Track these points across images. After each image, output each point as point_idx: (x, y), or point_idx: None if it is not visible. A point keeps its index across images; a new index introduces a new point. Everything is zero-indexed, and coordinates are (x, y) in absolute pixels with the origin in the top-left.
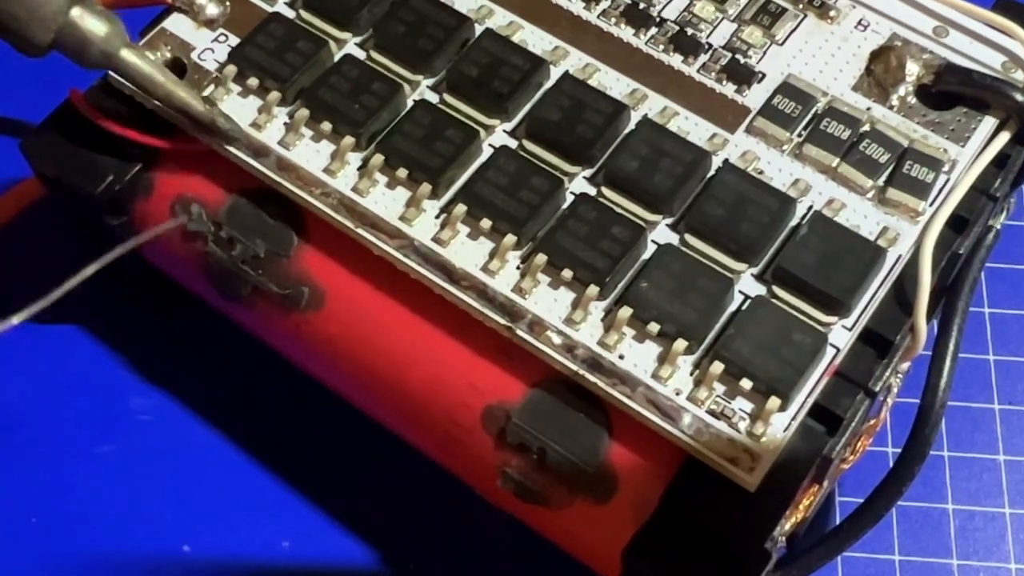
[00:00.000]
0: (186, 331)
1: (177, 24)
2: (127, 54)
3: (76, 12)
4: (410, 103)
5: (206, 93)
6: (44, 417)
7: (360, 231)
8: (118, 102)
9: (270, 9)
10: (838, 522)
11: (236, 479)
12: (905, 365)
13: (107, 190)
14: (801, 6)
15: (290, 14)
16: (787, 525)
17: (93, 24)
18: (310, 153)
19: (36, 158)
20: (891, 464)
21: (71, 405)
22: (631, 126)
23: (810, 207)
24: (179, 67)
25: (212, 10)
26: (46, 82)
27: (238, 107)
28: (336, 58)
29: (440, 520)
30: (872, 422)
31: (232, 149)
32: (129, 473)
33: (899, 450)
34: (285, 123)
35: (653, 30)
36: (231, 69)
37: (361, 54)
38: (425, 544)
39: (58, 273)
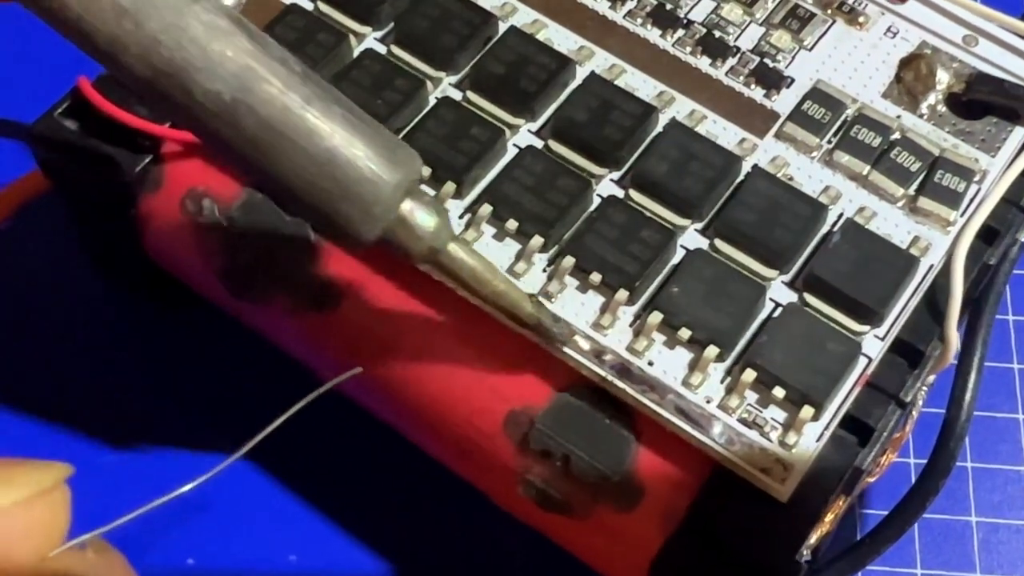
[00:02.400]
0: (188, 333)
1: None
2: (455, 248)
3: (407, 206)
4: (432, 100)
5: None
6: (44, 425)
7: None
8: (128, 91)
9: (287, 1)
10: (859, 535)
11: (242, 489)
12: (932, 378)
13: (116, 182)
14: (830, 11)
15: (308, 6)
16: (813, 538)
17: (423, 218)
18: None
19: (41, 147)
20: (913, 475)
21: (72, 413)
22: (659, 129)
23: (841, 214)
24: None
25: (227, 1)
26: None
27: None
28: (356, 53)
29: (454, 532)
30: (898, 435)
31: None
32: (131, 484)
33: (921, 461)
34: None
35: (680, 32)
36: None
37: (382, 49)
38: (438, 557)
39: (57, 272)
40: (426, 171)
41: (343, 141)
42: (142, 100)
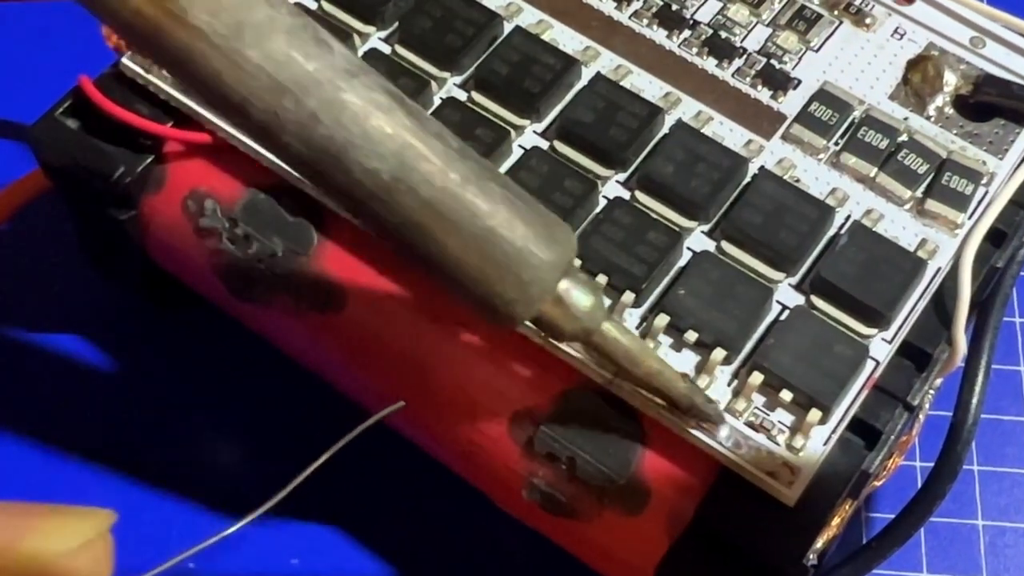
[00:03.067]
0: (189, 333)
1: None
2: (608, 328)
3: (564, 285)
4: (437, 100)
5: None
6: (43, 428)
7: None
8: (130, 90)
9: (291, 1)
10: (866, 539)
11: (244, 494)
12: (939, 381)
13: (117, 182)
14: (837, 12)
15: (312, 5)
16: (820, 542)
17: (579, 297)
18: None
19: (43, 147)
20: (919, 479)
21: (71, 413)
22: (665, 130)
23: (848, 217)
24: None
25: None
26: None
27: None
28: (359, 53)
29: (457, 535)
30: (904, 439)
31: (251, 142)
32: (132, 488)
33: (928, 464)
34: None
35: (686, 32)
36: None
37: (386, 49)
38: (440, 560)
39: (58, 273)
40: None
41: (503, 221)
42: (299, 173)
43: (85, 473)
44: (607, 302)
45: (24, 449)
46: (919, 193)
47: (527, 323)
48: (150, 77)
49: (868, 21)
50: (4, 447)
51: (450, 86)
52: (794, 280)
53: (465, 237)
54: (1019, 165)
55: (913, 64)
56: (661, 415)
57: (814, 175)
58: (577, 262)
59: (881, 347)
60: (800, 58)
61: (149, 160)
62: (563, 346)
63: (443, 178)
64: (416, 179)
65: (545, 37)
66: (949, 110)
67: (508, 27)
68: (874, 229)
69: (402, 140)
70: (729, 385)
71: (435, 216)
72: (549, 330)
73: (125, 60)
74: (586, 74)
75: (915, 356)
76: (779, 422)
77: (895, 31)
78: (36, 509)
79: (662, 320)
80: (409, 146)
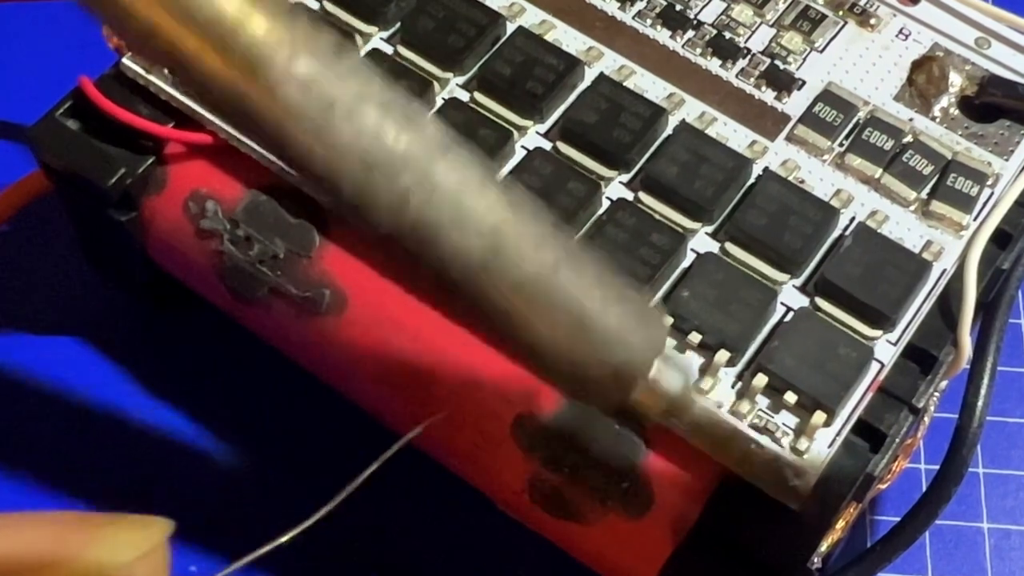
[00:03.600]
0: (189, 335)
1: None
2: (697, 408)
3: (655, 368)
4: (439, 101)
5: None
6: (44, 431)
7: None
8: (131, 91)
9: (292, 0)
10: (870, 542)
11: (244, 497)
12: (944, 383)
13: (118, 184)
14: (841, 13)
15: (314, 5)
16: (824, 545)
17: (671, 379)
18: None
19: (42, 148)
20: (924, 481)
21: (72, 414)
22: (669, 131)
23: (852, 218)
24: None
25: None
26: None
27: None
28: (361, 54)
29: (459, 538)
30: (909, 441)
31: (253, 143)
32: (134, 491)
33: (933, 467)
34: None
35: (690, 33)
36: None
37: (388, 49)
38: (443, 563)
39: (58, 274)
40: None
41: (597, 308)
42: (387, 251)
43: (86, 474)
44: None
45: (24, 450)
46: (924, 194)
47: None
48: (151, 78)
49: (873, 22)
50: (4, 448)
51: (452, 87)
52: (798, 282)
53: (558, 324)
54: None
55: (918, 65)
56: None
57: (818, 176)
58: None
59: (886, 349)
60: (804, 59)
61: (150, 161)
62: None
63: (536, 261)
64: (507, 261)
65: (548, 37)
66: (954, 111)
67: (511, 27)
68: (879, 231)
69: (495, 220)
70: (733, 387)
71: (526, 301)
72: (635, 408)
73: (126, 60)
74: (589, 75)
75: (920, 358)
76: (783, 424)
77: (900, 32)
78: (94, 519)
79: (666, 322)
80: (501, 226)
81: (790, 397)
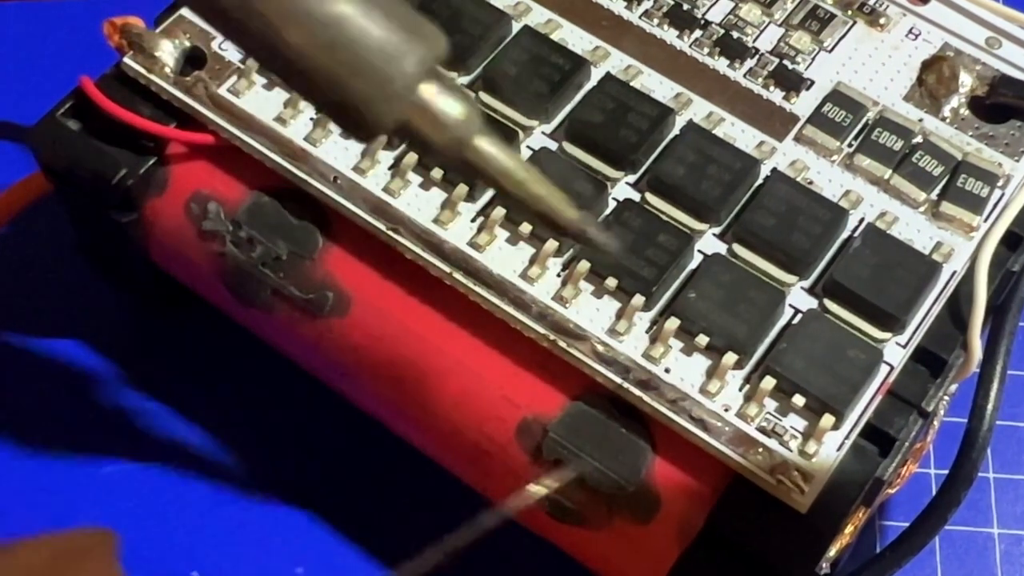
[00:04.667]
0: (190, 335)
1: None
2: (483, 142)
3: (430, 89)
4: None
5: (228, 85)
6: (47, 434)
7: (391, 234)
8: (132, 91)
9: None
10: (879, 547)
11: (247, 501)
12: (954, 387)
13: (119, 184)
14: (850, 12)
15: None
16: (833, 550)
17: (447, 104)
18: (339, 151)
19: (43, 149)
20: (933, 485)
21: (74, 422)
22: (676, 131)
23: (862, 219)
24: (198, 57)
25: None
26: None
27: (262, 101)
28: None
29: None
30: (918, 445)
31: (256, 144)
32: (135, 495)
33: (942, 472)
34: (312, 119)
35: (697, 32)
36: (254, 60)
37: None
38: (447, 569)
39: (59, 276)
40: (437, 173)
41: (358, 8)
42: None
43: (86, 477)
44: (529, 252)
45: (24, 452)
46: (934, 195)
47: (392, 134)
48: (152, 77)
49: (882, 21)
50: (4, 450)
51: None
52: (807, 283)
53: (315, 24)
54: None
55: (928, 65)
56: (669, 420)
57: (827, 177)
58: (586, 265)
59: (895, 352)
60: (813, 58)
61: (151, 162)
62: (573, 351)
63: None
64: None
65: (554, 37)
66: (964, 111)
67: (516, 26)
68: (888, 232)
69: None
70: (741, 390)
71: (279, 4)
72: (417, 146)
73: (127, 60)
74: (596, 74)
75: (930, 361)
76: (791, 427)
77: (910, 31)
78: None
79: (672, 324)
80: None
81: (798, 400)
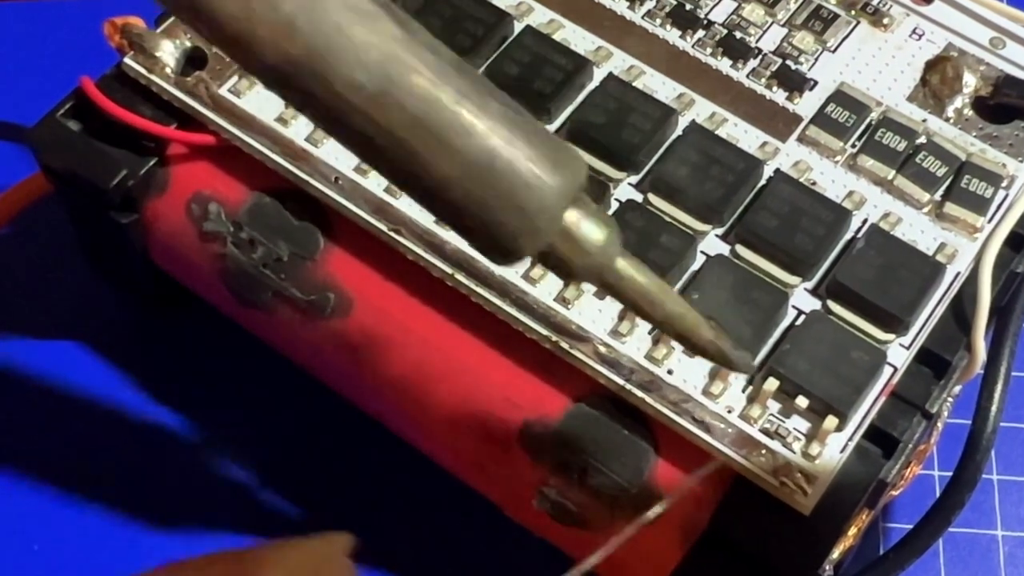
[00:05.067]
0: (191, 336)
1: None
2: (624, 265)
3: (572, 216)
4: None
5: (229, 85)
6: (45, 436)
7: (392, 235)
8: (133, 91)
9: None
10: (883, 550)
11: (249, 506)
12: (958, 388)
13: (120, 185)
14: (854, 12)
15: None
16: (836, 552)
17: (590, 229)
18: (340, 151)
19: (43, 149)
20: (938, 488)
21: (74, 425)
22: (679, 132)
23: (865, 220)
24: (199, 57)
25: None
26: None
27: (263, 101)
28: None
29: (466, 546)
30: (922, 447)
31: (257, 144)
32: (136, 499)
33: (946, 474)
34: None
35: (700, 32)
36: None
37: None
38: (451, 571)
39: (57, 276)
40: None
41: (502, 141)
42: (273, 90)
43: (87, 479)
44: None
45: (25, 454)
46: (938, 196)
47: (535, 261)
48: (153, 77)
49: (886, 21)
50: (4, 453)
51: None
52: (810, 284)
53: (460, 158)
54: None
55: (932, 65)
56: (672, 422)
57: (830, 177)
58: None
59: (899, 353)
60: (816, 59)
61: (152, 163)
62: (575, 352)
63: (435, 92)
64: (403, 93)
65: (556, 37)
66: (968, 112)
67: (518, 26)
68: (892, 233)
69: (389, 50)
70: (744, 391)
71: (426, 134)
72: (558, 269)
73: (127, 60)
74: (598, 75)
75: (933, 363)
76: (795, 429)
77: (913, 31)
78: (254, 554)
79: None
80: (396, 57)
81: (801, 401)
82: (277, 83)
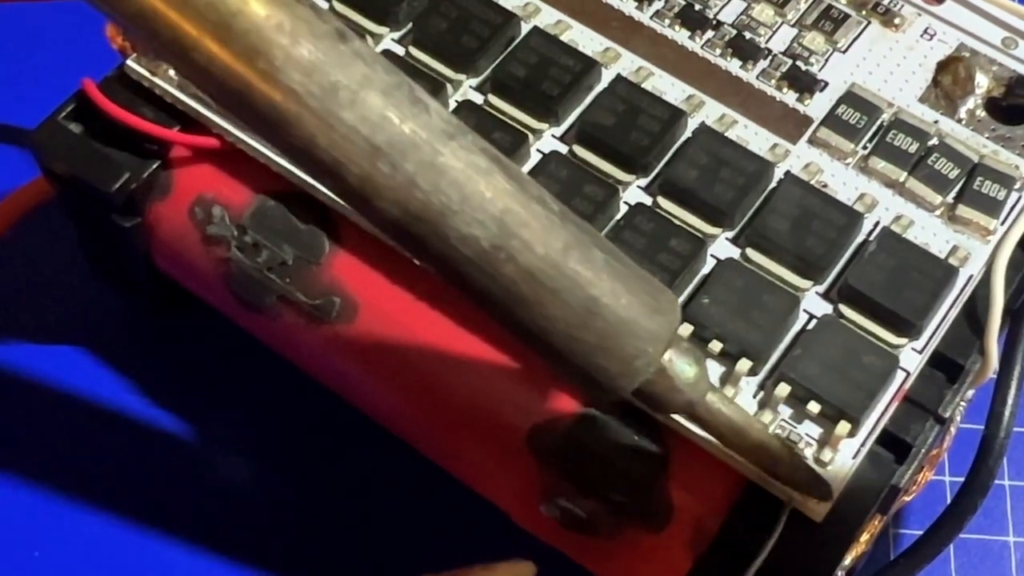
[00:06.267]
0: (195, 340)
1: None
2: (713, 399)
3: (667, 356)
4: (453, 104)
5: None
6: (46, 442)
7: None
8: (135, 94)
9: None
10: (894, 555)
11: (249, 507)
12: (970, 393)
13: (122, 188)
14: (865, 12)
15: (323, 5)
16: (848, 559)
17: (683, 369)
18: None
19: (45, 153)
20: (949, 494)
21: (76, 429)
22: (688, 134)
23: (877, 223)
24: None
25: None
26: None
27: None
28: None
29: (473, 554)
30: (934, 452)
31: (261, 147)
32: (137, 504)
33: (958, 479)
34: None
35: (709, 33)
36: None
37: (400, 50)
38: None
39: (60, 281)
40: None
41: (606, 290)
42: (393, 241)
43: (88, 484)
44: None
45: (26, 457)
46: (950, 198)
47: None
48: (156, 80)
49: (897, 21)
50: (5, 454)
51: (466, 89)
52: (821, 288)
53: (567, 308)
54: None
55: (943, 66)
56: (682, 427)
57: (842, 180)
58: None
59: (911, 357)
60: (827, 59)
61: (155, 166)
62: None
63: (544, 245)
64: (516, 247)
65: (564, 38)
66: (981, 113)
67: (525, 28)
68: (904, 236)
69: (502, 205)
70: (755, 397)
71: (536, 285)
72: (650, 403)
73: (130, 62)
74: (606, 76)
75: (946, 367)
76: (806, 435)
77: (925, 31)
78: None
79: (685, 330)
80: (510, 211)
81: (813, 407)
82: (397, 235)
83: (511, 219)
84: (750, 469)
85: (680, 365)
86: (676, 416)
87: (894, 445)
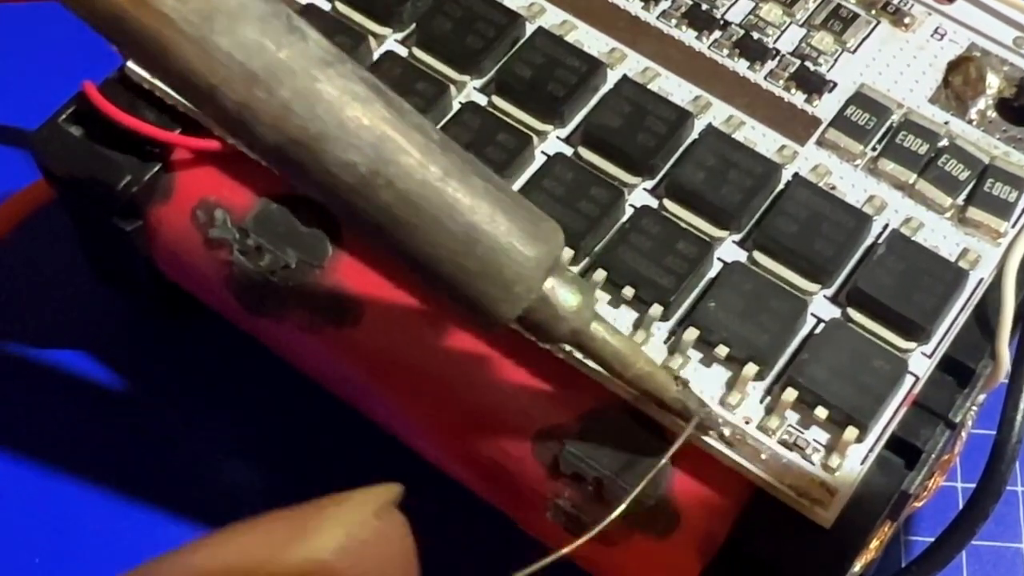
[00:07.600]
0: (197, 344)
1: None
2: (597, 328)
3: (549, 284)
4: (456, 106)
5: None
6: (47, 443)
7: None
8: (136, 96)
9: (304, 1)
10: (904, 563)
11: (250, 507)
12: (982, 397)
13: (123, 191)
14: (874, 12)
15: (325, 7)
16: (858, 566)
17: (565, 296)
18: None
19: (45, 155)
20: (961, 500)
21: (76, 431)
22: (695, 135)
23: (886, 225)
24: None
25: None
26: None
27: None
28: (375, 55)
29: (478, 559)
30: (945, 458)
31: None
32: (139, 510)
33: (970, 485)
34: None
35: (717, 33)
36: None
37: (403, 51)
38: None
39: (60, 285)
40: None
41: (484, 216)
42: (272, 167)
43: (89, 484)
44: (617, 305)
45: (27, 459)
46: (960, 200)
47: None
48: (156, 81)
49: (907, 21)
50: (6, 458)
51: (470, 90)
52: (830, 292)
53: (446, 233)
54: None
55: (954, 66)
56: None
57: (850, 182)
58: (603, 273)
59: (921, 362)
60: (836, 60)
61: (156, 168)
62: (590, 362)
63: (422, 171)
64: (394, 172)
65: (569, 38)
66: (992, 113)
67: (530, 28)
68: (913, 238)
69: (380, 132)
70: (762, 402)
71: (414, 211)
72: (535, 331)
73: (131, 64)
74: (612, 77)
75: (957, 371)
76: (814, 440)
77: (935, 31)
78: (301, 512)
79: (692, 334)
80: (387, 138)
81: (821, 412)
82: (276, 162)
83: (389, 146)
84: (756, 476)
85: (563, 293)
86: (680, 422)
87: (904, 450)
